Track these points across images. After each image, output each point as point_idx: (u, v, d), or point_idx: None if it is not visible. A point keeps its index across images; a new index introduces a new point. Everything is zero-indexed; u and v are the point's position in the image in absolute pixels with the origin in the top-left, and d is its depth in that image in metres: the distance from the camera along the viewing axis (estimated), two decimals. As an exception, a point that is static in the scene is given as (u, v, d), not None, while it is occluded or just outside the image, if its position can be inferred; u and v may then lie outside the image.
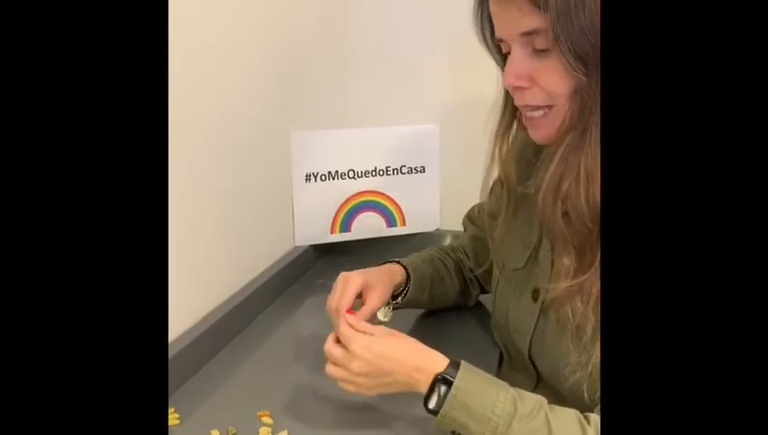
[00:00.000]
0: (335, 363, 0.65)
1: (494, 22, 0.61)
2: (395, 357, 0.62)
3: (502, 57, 0.66)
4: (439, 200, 1.12)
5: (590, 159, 0.56)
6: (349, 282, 0.75)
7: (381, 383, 0.63)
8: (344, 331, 0.65)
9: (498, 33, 0.62)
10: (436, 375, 0.59)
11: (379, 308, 0.78)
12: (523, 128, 0.69)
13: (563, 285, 0.61)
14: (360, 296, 0.76)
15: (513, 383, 0.76)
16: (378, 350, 0.62)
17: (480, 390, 0.58)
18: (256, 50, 0.98)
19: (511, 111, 0.69)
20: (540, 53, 0.58)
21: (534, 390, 0.73)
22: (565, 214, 0.60)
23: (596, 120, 0.55)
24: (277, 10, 1.05)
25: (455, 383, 0.58)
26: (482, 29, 0.66)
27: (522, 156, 0.75)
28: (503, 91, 0.68)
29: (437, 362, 0.61)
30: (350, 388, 0.64)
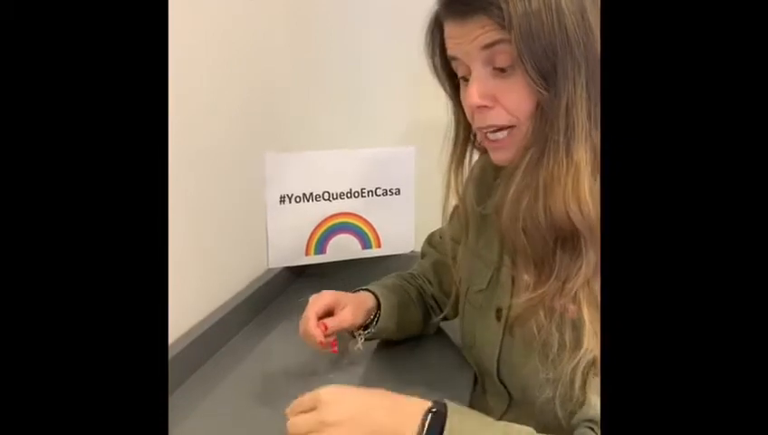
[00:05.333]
0: (308, 431, 0.54)
1: (452, 43, 0.61)
2: (371, 398, 0.56)
3: (452, 85, 0.67)
4: (414, 222, 1.12)
5: (548, 173, 0.57)
6: (320, 295, 0.78)
7: (358, 431, 0.53)
8: (304, 397, 0.57)
9: (455, 52, 0.61)
10: (429, 409, 0.54)
11: (351, 324, 0.78)
12: (482, 151, 0.70)
13: (523, 298, 0.61)
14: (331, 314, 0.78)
15: (486, 404, 0.76)
16: (350, 395, 0.56)
17: (474, 426, 0.55)
18: (228, 71, 0.98)
19: (463, 142, 0.70)
20: (501, 72, 0.59)
21: (507, 409, 0.73)
22: (524, 229, 0.60)
23: (554, 135, 0.57)
24: (248, 32, 1.05)
25: (448, 422, 0.53)
26: (432, 56, 0.67)
27: (482, 180, 0.76)
28: (452, 122, 0.70)
29: (421, 401, 0.56)
30: None
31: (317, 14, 1.24)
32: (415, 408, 0.54)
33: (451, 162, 0.71)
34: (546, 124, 0.57)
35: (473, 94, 0.60)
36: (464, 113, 0.67)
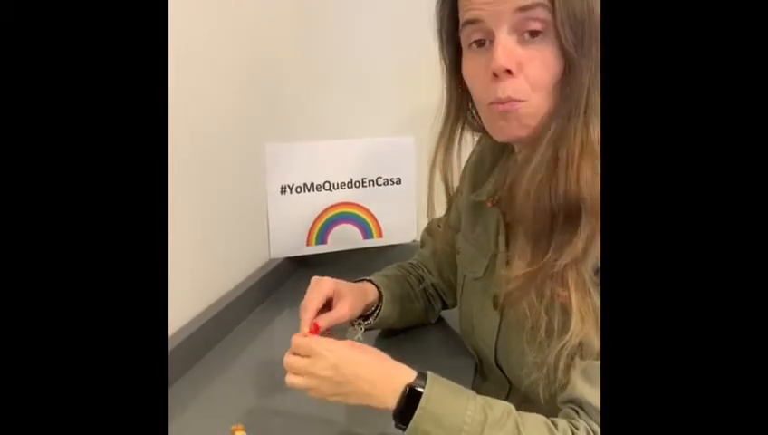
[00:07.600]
0: (297, 373, 0.61)
1: (478, 5, 0.58)
2: (360, 364, 0.59)
3: (455, 54, 0.64)
4: (415, 212, 1.12)
5: (567, 149, 0.56)
6: (320, 283, 0.75)
7: (341, 392, 0.59)
8: (302, 341, 0.63)
9: (480, 15, 0.58)
10: (406, 386, 0.57)
11: (347, 319, 0.77)
12: (475, 130, 0.68)
13: (515, 273, 0.60)
14: (329, 305, 0.76)
15: (485, 391, 0.76)
16: (343, 355, 0.60)
17: (450, 400, 0.57)
18: (228, 63, 0.98)
19: (453, 121, 0.67)
20: (528, 39, 0.57)
21: (507, 396, 0.73)
22: (533, 204, 0.59)
23: (576, 110, 0.55)
24: (250, 22, 1.04)
25: (424, 394, 0.56)
26: (441, 22, 0.64)
27: (478, 167, 0.76)
28: (444, 100, 0.67)
29: (405, 373, 0.59)
30: (314, 393, 0.61)
31: (317, 4, 1.24)
32: (399, 380, 0.58)
33: (439, 143, 0.68)
34: (573, 93, 0.56)
35: (498, 57, 0.56)
36: (458, 89, 0.65)
